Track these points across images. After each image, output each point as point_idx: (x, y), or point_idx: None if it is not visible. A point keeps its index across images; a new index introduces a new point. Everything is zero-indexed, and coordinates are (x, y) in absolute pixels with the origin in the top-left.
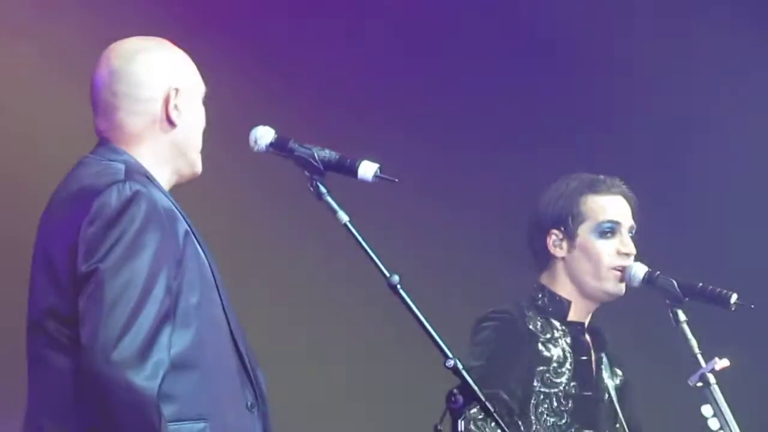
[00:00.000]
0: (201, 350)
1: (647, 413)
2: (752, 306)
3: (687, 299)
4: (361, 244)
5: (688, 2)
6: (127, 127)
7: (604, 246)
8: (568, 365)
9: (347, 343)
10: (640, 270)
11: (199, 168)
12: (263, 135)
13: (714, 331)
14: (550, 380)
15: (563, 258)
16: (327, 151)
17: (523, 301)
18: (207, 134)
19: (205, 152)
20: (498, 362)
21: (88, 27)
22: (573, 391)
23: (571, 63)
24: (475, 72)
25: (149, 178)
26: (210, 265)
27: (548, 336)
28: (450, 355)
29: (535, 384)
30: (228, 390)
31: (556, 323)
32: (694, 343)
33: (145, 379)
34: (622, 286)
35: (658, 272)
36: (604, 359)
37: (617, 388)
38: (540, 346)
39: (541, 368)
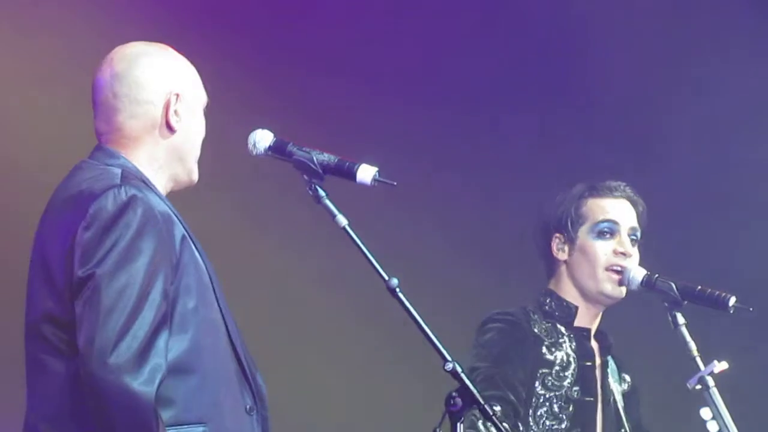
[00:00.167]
0: (199, 354)
1: (646, 415)
2: (751, 309)
3: (686, 302)
4: (360, 247)
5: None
6: (126, 130)
7: (600, 246)
8: (571, 370)
9: (346, 346)
10: (638, 273)
11: (195, 177)
12: (262, 138)
13: (713, 334)
14: (552, 383)
15: (566, 261)
16: (326, 155)
17: (530, 306)
18: (206, 137)
19: (203, 155)
20: (503, 364)
21: (87, 30)
22: (575, 396)
23: (571, 66)
24: (474, 75)
25: (146, 183)
26: (207, 269)
27: (553, 340)
28: (449, 359)
29: (536, 386)
30: (226, 394)
31: (562, 328)
32: (693, 345)
33: (142, 383)
34: (622, 289)
35: (657, 275)
36: (612, 364)
37: (624, 394)
38: (543, 349)
39: (544, 371)
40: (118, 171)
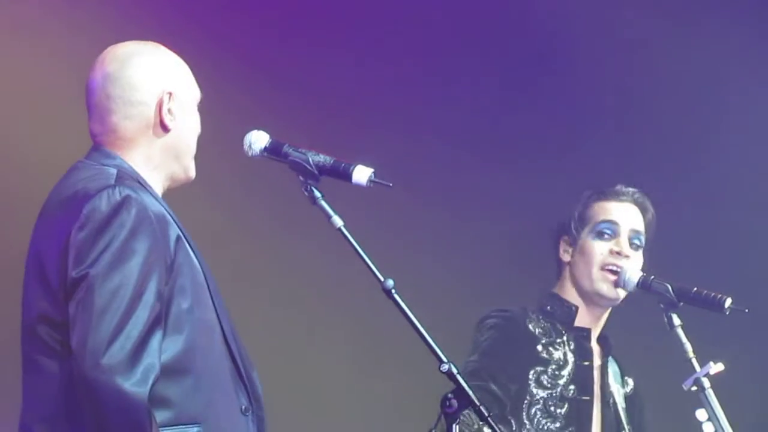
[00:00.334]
0: (193, 355)
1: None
2: (746, 310)
3: (681, 304)
4: (355, 248)
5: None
6: (120, 131)
7: (598, 245)
8: (568, 369)
9: (342, 347)
10: (634, 274)
11: (192, 173)
12: (257, 139)
13: (708, 335)
14: (547, 382)
15: (569, 263)
16: (321, 156)
17: (530, 305)
18: (201, 138)
19: (198, 156)
20: (492, 357)
21: (80, 36)
22: (570, 395)
23: (573, 67)
24: (472, 75)
25: (141, 183)
26: (203, 270)
27: (550, 339)
28: (445, 360)
29: (530, 384)
30: (221, 394)
31: (562, 328)
32: (688, 347)
33: (135, 384)
34: (618, 291)
35: (653, 277)
36: (615, 367)
37: (626, 397)
38: (539, 348)
39: (538, 369)
40: (114, 171)
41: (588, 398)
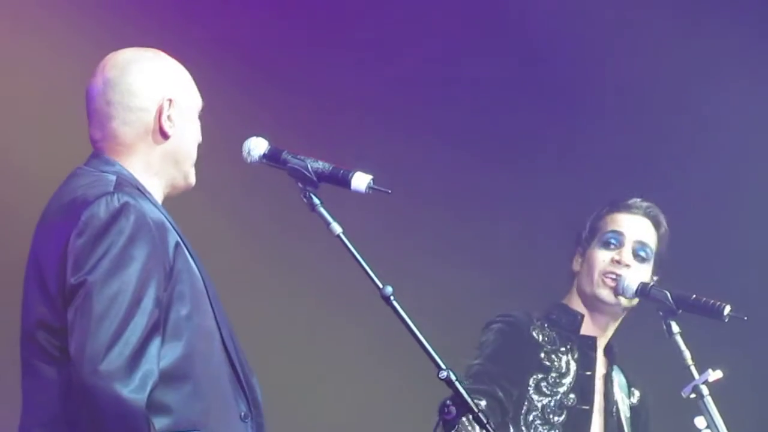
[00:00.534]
0: (192, 361)
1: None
2: (745, 318)
3: (680, 311)
4: (354, 255)
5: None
6: (120, 137)
7: (602, 254)
8: (570, 378)
9: (340, 354)
10: (633, 282)
11: (192, 180)
12: (256, 146)
13: (707, 343)
14: (546, 389)
15: (577, 272)
16: (320, 163)
17: (536, 313)
18: (202, 141)
19: (199, 160)
20: (495, 362)
21: (80, 39)
22: (569, 403)
23: (573, 67)
24: (472, 77)
25: (140, 190)
26: (202, 276)
27: (554, 347)
28: (443, 366)
29: (529, 390)
30: (220, 401)
31: (567, 336)
32: (687, 354)
33: (133, 390)
34: (620, 299)
35: (652, 284)
36: (621, 377)
37: (631, 407)
38: (542, 355)
39: (538, 376)
40: (113, 178)
41: (587, 408)
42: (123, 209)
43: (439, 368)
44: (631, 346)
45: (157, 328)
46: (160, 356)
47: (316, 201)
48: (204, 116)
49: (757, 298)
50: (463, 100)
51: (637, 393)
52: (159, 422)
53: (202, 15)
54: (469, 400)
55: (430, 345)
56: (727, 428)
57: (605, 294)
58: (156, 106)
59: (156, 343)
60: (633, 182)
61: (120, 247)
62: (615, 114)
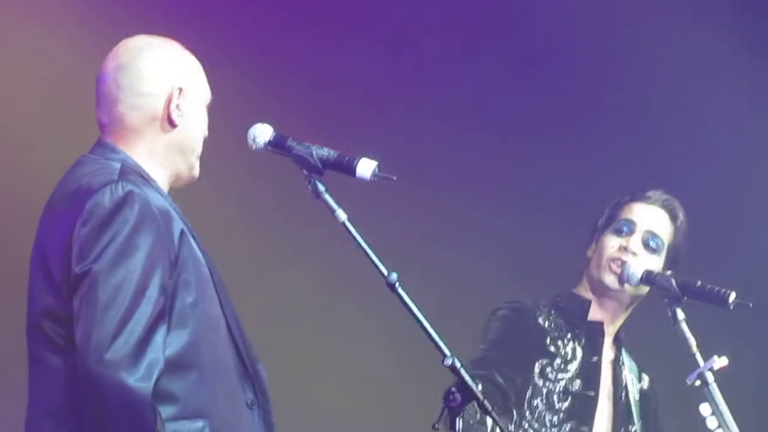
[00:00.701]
0: (198, 349)
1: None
2: (750, 305)
3: (685, 298)
4: (359, 242)
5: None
6: (126, 121)
7: (611, 240)
8: (576, 364)
9: (346, 340)
10: (638, 269)
11: (196, 173)
12: (261, 133)
13: (712, 330)
14: (551, 375)
15: (590, 258)
16: (325, 150)
17: (543, 300)
18: (208, 128)
19: (205, 148)
20: (498, 348)
21: (88, 27)
22: (575, 389)
23: (582, 58)
24: (479, 66)
25: (145, 178)
26: (207, 264)
27: (560, 333)
28: (448, 354)
29: (533, 376)
30: (226, 388)
31: (575, 323)
32: (692, 341)
33: (139, 379)
34: (626, 286)
35: (657, 271)
36: (631, 363)
37: (641, 392)
38: (547, 341)
39: (543, 361)
40: (118, 166)
41: (593, 394)
42: (127, 198)
43: (444, 355)
44: (637, 332)
45: (162, 316)
46: (165, 344)
47: (321, 188)
48: (211, 101)
49: (762, 284)
50: (469, 87)
51: (647, 378)
52: (165, 410)
53: (208, 2)
54: (473, 387)
55: (434, 331)
56: (732, 415)
57: (610, 280)
58: (166, 94)
59: (161, 331)
60: (633, 182)
61: (125, 235)
62: (615, 114)
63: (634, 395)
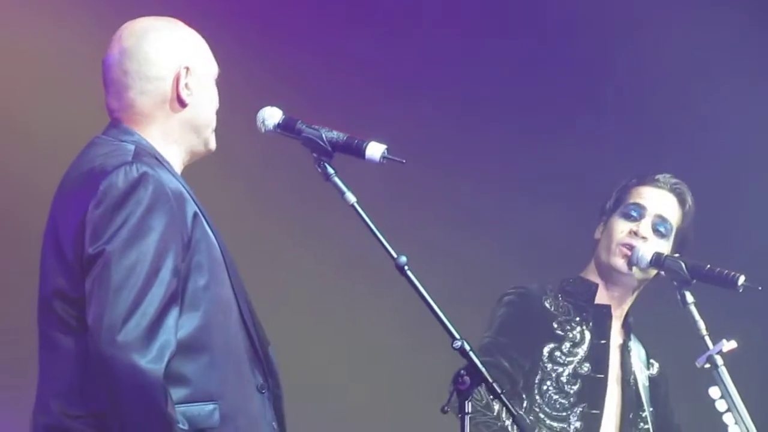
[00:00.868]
0: (209, 332)
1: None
2: (760, 288)
3: (695, 281)
4: (368, 225)
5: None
6: (137, 107)
7: (621, 224)
8: (584, 347)
9: (356, 325)
10: (647, 252)
11: (212, 146)
12: (270, 116)
13: (721, 313)
14: (560, 358)
15: (598, 240)
16: (335, 132)
17: (550, 284)
18: (218, 111)
19: (216, 130)
20: (504, 333)
21: (95, 13)
22: (584, 372)
23: (589, 49)
24: (486, 51)
25: (159, 160)
26: (220, 247)
27: (568, 317)
28: (457, 337)
29: (542, 360)
30: (237, 372)
31: (582, 306)
32: (701, 324)
33: (150, 361)
34: (635, 270)
35: (666, 254)
36: (640, 348)
37: (650, 377)
38: (555, 325)
39: (551, 345)
40: (132, 147)
41: (602, 376)
42: (141, 179)
43: (453, 338)
44: (647, 316)
45: (174, 298)
46: (177, 327)
47: (331, 171)
48: (218, 86)
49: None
50: (479, 72)
51: (656, 364)
52: (176, 393)
53: None
54: (483, 370)
55: (444, 314)
56: (742, 398)
57: (620, 264)
58: (173, 75)
59: (174, 313)
60: (645, 164)
61: (138, 217)
62: (615, 114)
63: (643, 382)
